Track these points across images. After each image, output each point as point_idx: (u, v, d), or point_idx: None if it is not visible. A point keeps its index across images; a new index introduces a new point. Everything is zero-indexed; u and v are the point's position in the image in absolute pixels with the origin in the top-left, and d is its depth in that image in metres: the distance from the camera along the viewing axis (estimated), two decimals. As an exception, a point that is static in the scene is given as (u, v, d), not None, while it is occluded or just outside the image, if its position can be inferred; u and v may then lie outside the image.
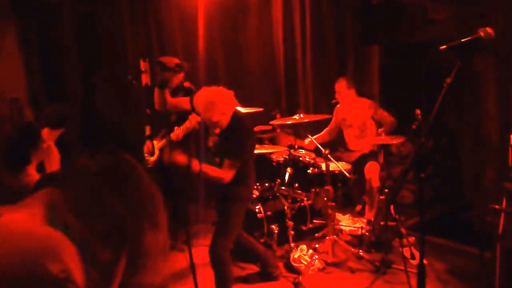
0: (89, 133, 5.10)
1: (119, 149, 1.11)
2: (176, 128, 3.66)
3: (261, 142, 5.43)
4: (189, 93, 4.85)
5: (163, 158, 3.31)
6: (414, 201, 4.76)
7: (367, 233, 4.09)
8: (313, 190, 4.07)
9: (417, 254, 3.56)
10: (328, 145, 4.02)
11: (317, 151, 4.37)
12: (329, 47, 5.48)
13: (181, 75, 3.87)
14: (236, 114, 3.14)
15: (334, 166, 3.97)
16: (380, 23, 5.15)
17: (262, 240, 4.00)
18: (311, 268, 3.72)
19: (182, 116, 3.65)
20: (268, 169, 4.71)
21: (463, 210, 4.78)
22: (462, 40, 1.86)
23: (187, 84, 4.84)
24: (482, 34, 1.86)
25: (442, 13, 4.55)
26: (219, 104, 3.01)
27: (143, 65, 3.13)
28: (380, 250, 3.91)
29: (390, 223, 4.08)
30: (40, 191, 1.04)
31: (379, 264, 3.66)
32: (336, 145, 4.97)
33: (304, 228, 4.30)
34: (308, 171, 4.11)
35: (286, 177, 4.23)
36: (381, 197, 4.15)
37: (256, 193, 4.22)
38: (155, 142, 3.85)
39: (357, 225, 4.47)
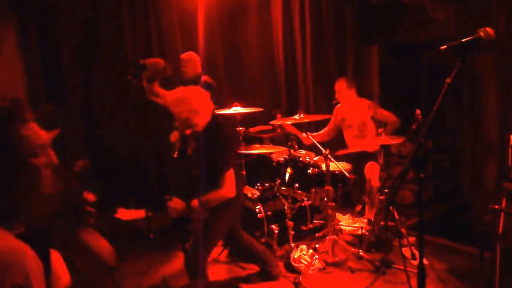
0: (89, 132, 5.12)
1: None
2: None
3: (261, 142, 5.44)
4: (209, 88, 4.90)
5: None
6: (415, 201, 4.76)
7: (367, 233, 4.10)
8: (313, 190, 4.07)
9: (417, 254, 3.55)
10: (327, 145, 4.02)
11: (314, 149, 4.37)
12: (329, 46, 5.48)
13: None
14: (215, 119, 3.05)
15: (334, 166, 3.97)
16: (380, 23, 5.15)
17: (262, 240, 4.00)
18: (311, 268, 3.72)
19: None
20: (268, 169, 4.71)
21: (463, 210, 4.79)
22: (462, 40, 1.86)
23: (204, 78, 4.90)
24: (482, 34, 1.86)
25: (443, 12, 4.55)
26: (190, 100, 2.92)
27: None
28: (380, 250, 3.91)
29: (390, 223, 4.08)
30: None
31: (379, 264, 3.66)
32: (335, 145, 4.96)
33: (304, 228, 4.30)
34: (308, 171, 4.11)
35: (286, 177, 4.23)
36: (381, 197, 4.16)
37: (256, 193, 4.21)
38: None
39: (357, 225, 4.48)
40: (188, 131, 3.00)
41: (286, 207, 4.06)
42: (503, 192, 2.86)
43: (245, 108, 4.42)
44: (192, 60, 5.00)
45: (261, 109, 4.67)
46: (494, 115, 4.16)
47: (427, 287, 2.05)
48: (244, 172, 4.59)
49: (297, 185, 4.19)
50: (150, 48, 5.50)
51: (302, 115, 4.25)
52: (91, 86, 5.27)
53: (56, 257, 1.45)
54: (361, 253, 3.85)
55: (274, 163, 4.47)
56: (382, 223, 4.08)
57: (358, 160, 4.49)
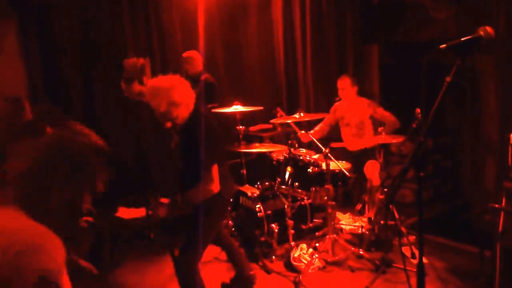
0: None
1: None
2: None
3: (261, 140, 5.44)
4: (210, 86, 4.91)
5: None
6: (415, 200, 4.76)
7: (367, 232, 4.10)
8: (313, 189, 4.07)
9: (417, 253, 3.56)
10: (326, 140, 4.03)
11: (315, 148, 4.37)
12: (329, 46, 5.48)
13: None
14: (198, 110, 2.86)
15: (334, 165, 3.98)
16: (380, 22, 5.16)
17: (262, 239, 4.01)
18: (311, 267, 3.73)
19: None
20: (268, 168, 4.71)
21: (463, 209, 4.80)
22: (462, 39, 1.86)
23: (205, 76, 4.93)
24: (482, 33, 1.86)
25: (443, 12, 4.55)
26: (168, 92, 2.71)
27: None
28: (380, 249, 3.91)
29: (390, 222, 4.08)
30: None
31: (379, 263, 3.67)
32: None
33: (304, 227, 4.30)
34: (308, 170, 4.11)
35: (286, 176, 4.23)
36: (381, 196, 4.16)
37: (256, 192, 4.22)
38: None
39: (357, 224, 4.48)
40: (168, 124, 2.80)
41: (286, 206, 4.06)
42: (503, 191, 2.86)
43: (245, 107, 4.42)
44: (194, 58, 5.09)
45: (261, 107, 4.67)
46: (494, 115, 4.16)
47: (428, 286, 2.05)
48: (245, 171, 4.59)
49: (297, 184, 4.19)
50: (151, 48, 5.51)
51: (302, 114, 4.25)
52: (91, 85, 5.27)
53: None
54: (361, 252, 3.86)
55: (274, 162, 4.48)
56: (382, 222, 4.08)
57: (358, 159, 4.50)
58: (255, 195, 4.18)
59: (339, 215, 4.68)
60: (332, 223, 4.02)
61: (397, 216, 3.94)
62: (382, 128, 4.16)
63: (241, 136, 4.43)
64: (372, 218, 4.25)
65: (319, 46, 5.56)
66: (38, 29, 4.80)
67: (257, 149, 4.46)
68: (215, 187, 2.78)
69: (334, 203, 3.93)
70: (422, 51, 1.94)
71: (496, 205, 2.83)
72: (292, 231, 4.01)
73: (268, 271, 3.80)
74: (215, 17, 5.90)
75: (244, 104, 4.48)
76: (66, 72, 5.05)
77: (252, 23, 6.13)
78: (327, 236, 3.97)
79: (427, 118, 1.85)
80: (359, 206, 4.85)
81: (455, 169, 5.32)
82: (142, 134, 5.34)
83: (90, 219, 2.26)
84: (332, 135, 4.97)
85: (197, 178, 2.74)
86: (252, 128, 5.73)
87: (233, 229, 4.39)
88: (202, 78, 5.01)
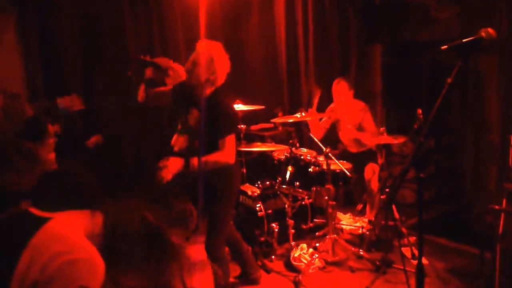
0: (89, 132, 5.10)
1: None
2: None
3: (263, 139, 5.44)
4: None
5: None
6: (416, 201, 4.75)
7: (367, 232, 4.09)
8: (314, 188, 4.07)
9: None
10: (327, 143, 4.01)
11: (316, 147, 4.36)
12: (332, 45, 5.47)
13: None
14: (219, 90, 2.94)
15: (335, 165, 3.97)
16: (383, 22, 5.15)
17: (262, 239, 4.01)
18: (311, 267, 3.72)
19: None
20: (269, 167, 4.71)
21: (463, 210, 4.79)
22: (464, 40, 1.85)
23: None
24: (483, 34, 1.86)
25: (446, 12, 4.54)
26: (212, 50, 2.83)
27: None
28: (381, 250, 3.91)
29: (390, 223, 4.08)
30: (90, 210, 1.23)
31: (380, 263, 3.67)
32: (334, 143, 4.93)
33: (304, 226, 4.30)
34: (309, 169, 4.11)
35: (287, 176, 4.23)
36: (382, 196, 4.15)
37: (257, 191, 4.22)
38: None
39: (357, 224, 4.47)
40: (200, 92, 2.86)
41: (286, 206, 4.06)
42: (504, 192, 2.86)
43: (246, 106, 4.42)
44: None
45: (263, 106, 4.66)
46: (496, 116, 4.15)
47: (428, 287, 2.05)
48: (245, 170, 4.58)
49: (298, 183, 4.19)
50: (152, 45, 5.50)
51: (303, 114, 4.25)
52: (92, 82, 5.26)
53: None
54: (361, 253, 3.85)
55: (275, 161, 4.47)
56: (382, 222, 4.08)
57: (358, 159, 4.48)
58: (256, 194, 4.17)
59: (339, 215, 4.68)
60: (333, 223, 4.02)
61: (397, 216, 3.94)
62: (384, 128, 4.15)
63: (242, 135, 4.43)
64: (373, 220, 4.25)
65: (322, 46, 5.55)
66: (37, 24, 4.78)
67: (258, 148, 4.46)
68: (231, 157, 2.83)
69: (334, 203, 3.93)
70: (424, 51, 1.93)
71: (497, 206, 2.83)
72: (293, 231, 4.01)
73: (267, 271, 3.80)
74: (217, 15, 5.89)
75: (245, 103, 4.48)
76: (66, 67, 5.04)
77: (254, 22, 6.12)
78: (327, 236, 3.96)
79: (428, 118, 1.85)
80: (360, 207, 4.84)
81: (457, 170, 5.31)
82: (143, 135, 5.31)
83: None
84: (331, 137, 4.95)
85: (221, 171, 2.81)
86: (253, 127, 5.73)
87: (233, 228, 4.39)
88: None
